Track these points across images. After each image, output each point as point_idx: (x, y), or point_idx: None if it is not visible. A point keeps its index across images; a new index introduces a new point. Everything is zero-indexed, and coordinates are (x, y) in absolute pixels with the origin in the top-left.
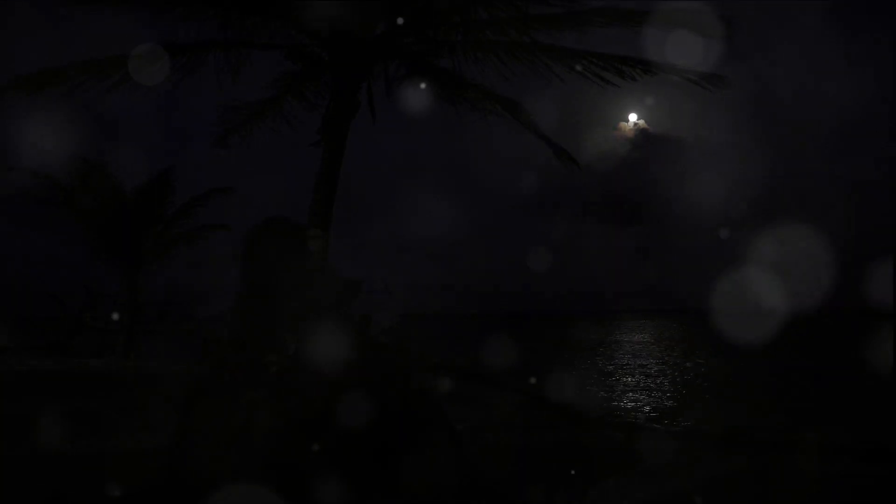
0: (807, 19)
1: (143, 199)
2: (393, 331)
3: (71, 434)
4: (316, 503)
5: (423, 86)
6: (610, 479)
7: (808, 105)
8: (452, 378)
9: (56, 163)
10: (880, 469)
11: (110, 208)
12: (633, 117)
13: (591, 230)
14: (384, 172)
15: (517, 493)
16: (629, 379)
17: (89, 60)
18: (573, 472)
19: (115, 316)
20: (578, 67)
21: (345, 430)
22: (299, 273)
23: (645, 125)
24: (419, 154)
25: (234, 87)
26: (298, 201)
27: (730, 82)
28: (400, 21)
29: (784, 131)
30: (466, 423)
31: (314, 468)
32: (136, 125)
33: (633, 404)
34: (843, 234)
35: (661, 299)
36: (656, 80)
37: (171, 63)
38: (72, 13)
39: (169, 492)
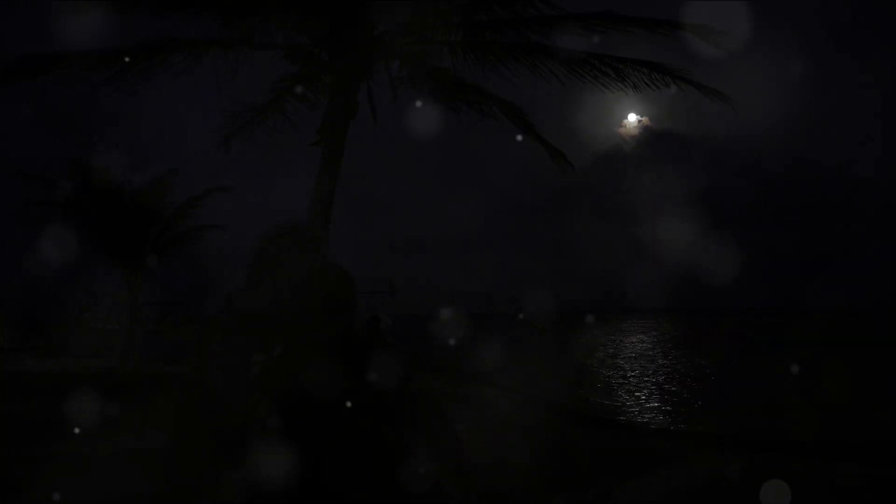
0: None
1: (143, 199)
2: (394, 331)
3: (71, 434)
4: None
5: (422, 86)
6: (610, 479)
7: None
8: (453, 378)
9: (56, 163)
10: (880, 469)
11: (110, 209)
12: (632, 116)
13: (593, 230)
14: (387, 172)
15: (517, 493)
16: (628, 379)
17: (86, 51)
18: (573, 472)
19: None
20: (580, 70)
21: (339, 431)
22: (303, 276)
23: (648, 122)
24: (422, 154)
25: (233, 86)
26: (298, 201)
27: (733, 100)
28: (399, 21)
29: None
30: (466, 424)
31: (308, 470)
32: (136, 124)
33: (632, 404)
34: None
35: (664, 299)
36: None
37: (171, 60)
38: (70, 8)
39: (168, 492)
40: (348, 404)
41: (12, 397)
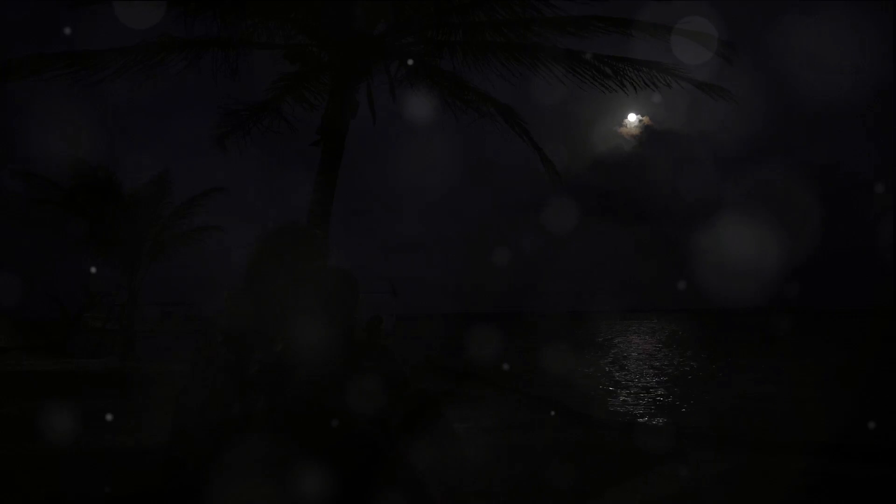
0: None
1: (142, 199)
2: (395, 332)
3: (71, 434)
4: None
5: (421, 86)
6: (610, 480)
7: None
8: (453, 379)
9: (57, 164)
10: (880, 469)
11: (110, 209)
12: (633, 116)
13: (594, 229)
14: (387, 172)
15: (517, 493)
16: (629, 379)
17: (84, 51)
18: (573, 472)
19: None
20: (579, 71)
21: (335, 433)
22: (301, 275)
23: (649, 121)
24: (421, 153)
25: (232, 85)
26: (297, 202)
27: (734, 96)
28: (400, 21)
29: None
30: (467, 424)
31: (306, 469)
32: (135, 123)
33: (632, 404)
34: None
35: (664, 299)
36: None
37: (171, 59)
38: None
39: (168, 491)
40: (345, 406)
41: (12, 397)
